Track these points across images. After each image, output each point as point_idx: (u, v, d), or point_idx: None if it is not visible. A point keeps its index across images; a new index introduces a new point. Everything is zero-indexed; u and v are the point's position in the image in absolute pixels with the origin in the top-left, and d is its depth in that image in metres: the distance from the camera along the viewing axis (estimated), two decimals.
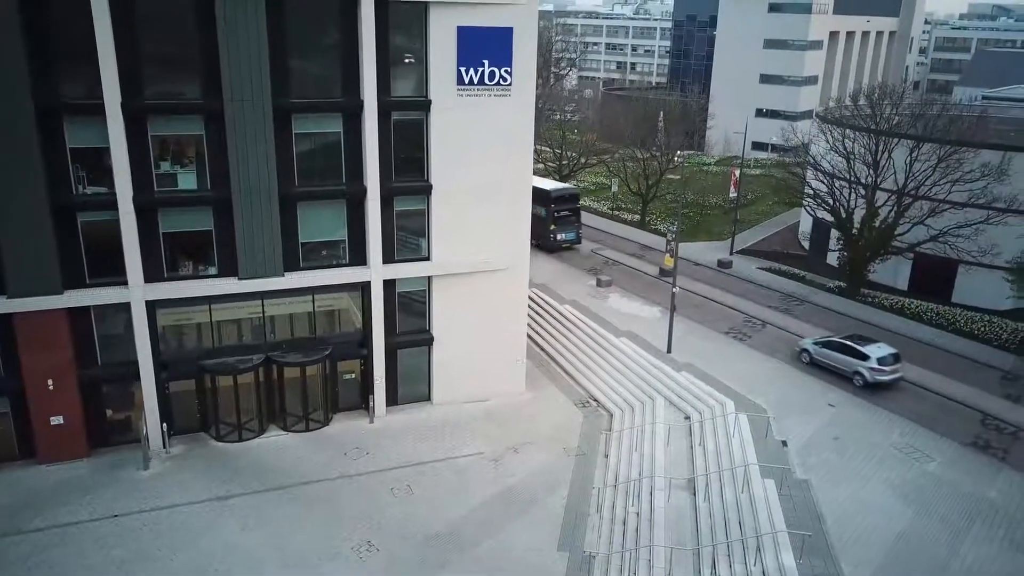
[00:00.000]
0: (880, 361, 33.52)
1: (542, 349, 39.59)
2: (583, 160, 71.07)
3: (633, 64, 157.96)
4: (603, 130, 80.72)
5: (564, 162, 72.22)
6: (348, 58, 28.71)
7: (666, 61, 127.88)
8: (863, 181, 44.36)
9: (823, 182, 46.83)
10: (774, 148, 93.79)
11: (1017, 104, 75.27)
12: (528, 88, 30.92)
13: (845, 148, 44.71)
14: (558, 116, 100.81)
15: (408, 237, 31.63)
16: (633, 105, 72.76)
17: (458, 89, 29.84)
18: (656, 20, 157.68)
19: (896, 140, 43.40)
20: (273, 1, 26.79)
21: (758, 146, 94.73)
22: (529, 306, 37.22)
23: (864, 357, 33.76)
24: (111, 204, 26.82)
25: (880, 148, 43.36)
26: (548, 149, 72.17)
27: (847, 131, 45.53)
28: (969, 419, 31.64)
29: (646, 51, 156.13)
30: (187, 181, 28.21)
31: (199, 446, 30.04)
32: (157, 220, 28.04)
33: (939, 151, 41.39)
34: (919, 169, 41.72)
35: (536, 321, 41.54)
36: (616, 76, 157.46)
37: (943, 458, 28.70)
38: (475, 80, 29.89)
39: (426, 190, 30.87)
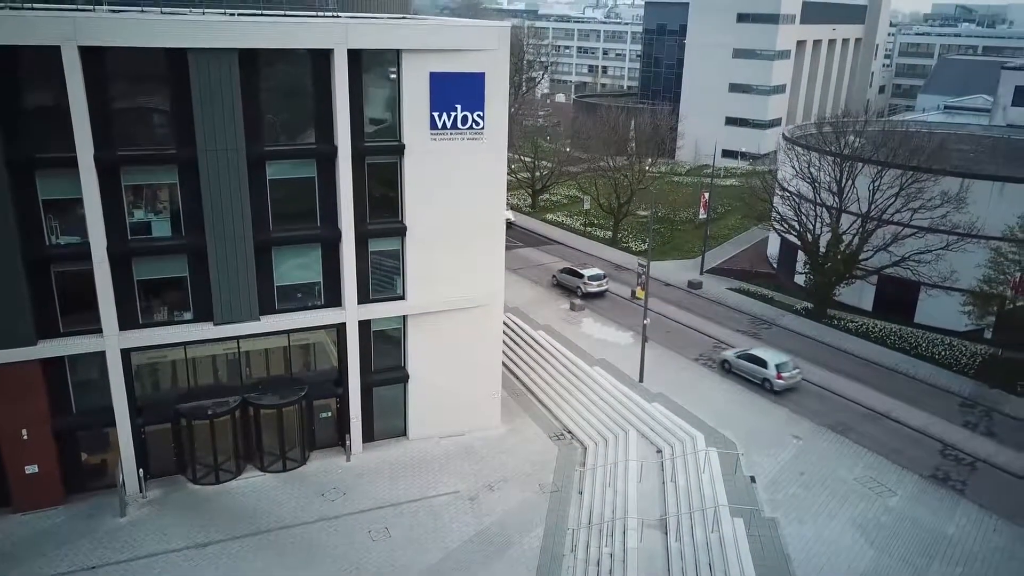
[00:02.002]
0: (591, 278, 49.26)
1: (517, 378, 40.08)
2: (557, 171, 71.63)
3: (605, 68, 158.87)
4: (576, 140, 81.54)
5: (537, 174, 72.75)
6: (322, 105, 28.91)
7: (637, 65, 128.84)
8: (829, 204, 45.47)
9: (790, 206, 47.86)
10: (743, 156, 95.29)
11: (974, 121, 77.19)
12: (501, 131, 31.33)
13: (811, 174, 45.78)
14: (530, 122, 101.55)
15: (383, 277, 31.92)
16: (604, 116, 73.22)
17: (431, 134, 30.18)
18: (627, 24, 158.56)
19: (860, 166, 44.49)
20: (246, 53, 26.90)
21: (728, 154, 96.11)
22: (503, 332, 37.69)
23: (580, 276, 49.50)
24: (85, 254, 26.81)
25: (844, 175, 44.46)
26: (519, 158, 72.40)
27: (812, 158, 46.55)
28: (930, 450, 32.76)
29: (617, 55, 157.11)
30: (161, 228, 28.26)
31: (176, 489, 30.13)
32: (131, 268, 28.08)
33: (900, 179, 42.55)
34: (881, 198, 42.88)
35: (510, 347, 42.02)
36: (588, 80, 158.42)
37: (904, 492, 29.73)
38: (448, 124, 30.23)
39: (401, 231, 31.19)
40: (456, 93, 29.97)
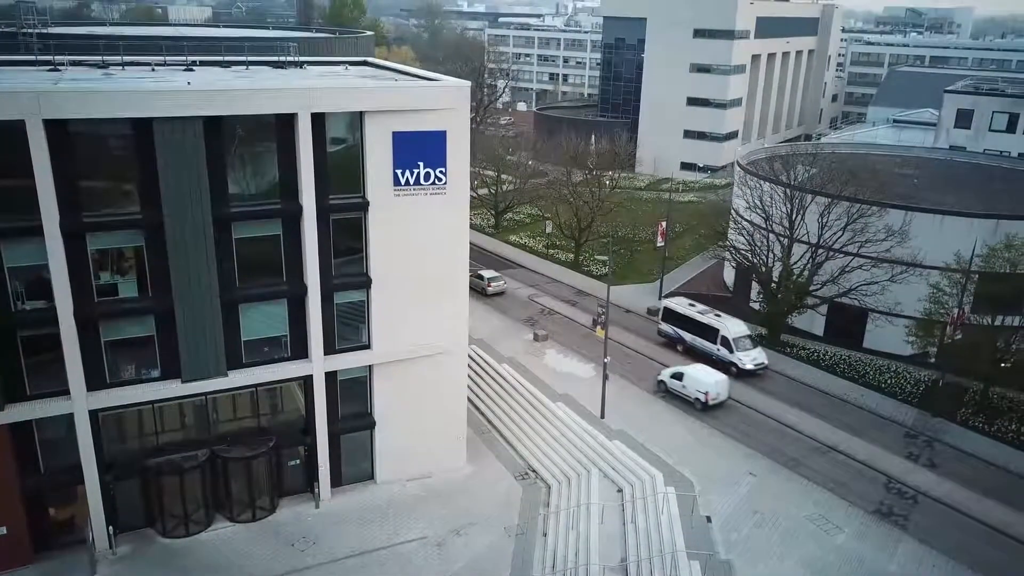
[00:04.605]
0: None
1: (482, 413, 40.89)
2: (520, 191, 72.57)
3: (565, 76, 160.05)
4: (537, 154, 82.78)
5: (501, 189, 73.44)
6: (287, 165, 29.42)
7: (597, 72, 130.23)
8: (780, 233, 47.15)
9: (745, 237, 49.44)
10: (701, 169, 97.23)
11: (921, 136, 79.92)
12: (463, 184, 32.18)
13: (763, 208, 47.39)
14: (492, 131, 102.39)
15: (349, 328, 32.54)
16: (564, 143, 74.53)
17: (395, 190, 30.89)
18: (586, 32, 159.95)
19: (810, 199, 46.18)
20: (211, 119, 27.32)
21: (686, 166, 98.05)
22: (468, 366, 38.41)
23: None
24: (51, 319, 27.02)
25: (794, 209, 46.14)
26: (480, 172, 72.94)
27: (764, 191, 48.14)
28: (875, 483, 34.41)
29: (578, 63, 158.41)
30: (128, 289, 28.59)
31: (146, 544, 30.42)
32: (98, 329, 28.34)
33: (848, 212, 44.31)
34: (829, 232, 44.66)
35: (475, 382, 42.80)
36: (549, 88, 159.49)
37: (851, 529, 31.26)
38: (411, 181, 30.97)
39: (365, 284, 31.86)
40: (418, 151, 30.73)
